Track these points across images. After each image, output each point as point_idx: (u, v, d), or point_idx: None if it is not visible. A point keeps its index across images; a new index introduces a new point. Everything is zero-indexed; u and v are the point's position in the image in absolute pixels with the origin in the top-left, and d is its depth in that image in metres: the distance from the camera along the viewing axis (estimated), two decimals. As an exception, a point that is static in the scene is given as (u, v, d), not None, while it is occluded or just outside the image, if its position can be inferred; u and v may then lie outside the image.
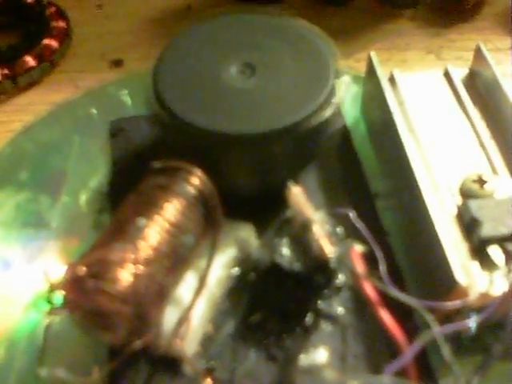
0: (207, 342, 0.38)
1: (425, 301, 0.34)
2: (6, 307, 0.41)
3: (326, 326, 0.39)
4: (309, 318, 0.39)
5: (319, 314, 0.39)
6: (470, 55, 0.50)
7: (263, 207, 0.43)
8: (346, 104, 0.52)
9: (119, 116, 0.53)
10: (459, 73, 0.49)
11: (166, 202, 0.37)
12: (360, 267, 0.36)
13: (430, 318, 0.33)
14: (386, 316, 0.34)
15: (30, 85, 0.59)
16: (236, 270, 0.41)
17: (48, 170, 0.50)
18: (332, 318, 0.39)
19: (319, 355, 0.36)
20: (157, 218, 0.36)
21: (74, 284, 0.33)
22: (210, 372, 0.37)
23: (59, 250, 0.44)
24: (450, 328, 0.34)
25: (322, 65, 0.44)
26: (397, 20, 0.66)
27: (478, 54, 0.48)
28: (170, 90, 0.42)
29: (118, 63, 0.61)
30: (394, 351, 0.35)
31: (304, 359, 0.35)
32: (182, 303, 0.37)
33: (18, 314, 0.40)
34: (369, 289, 0.35)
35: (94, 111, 0.54)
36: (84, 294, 0.32)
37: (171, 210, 0.37)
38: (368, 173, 0.49)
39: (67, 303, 0.33)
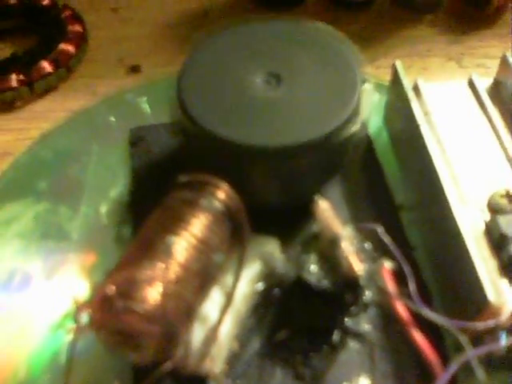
0: (233, 359, 0.38)
1: (457, 321, 0.34)
2: (28, 325, 0.40)
3: (353, 344, 0.39)
4: (336, 336, 0.38)
5: (346, 332, 0.39)
6: (492, 63, 0.49)
7: (288, 221, 0.43)
8: (367, 112, 0.52)
9: (138, 124, 0.52)
10: (484, 82, 0.48)
11: (193, 217, 0.36)
12: (391, 286, 0.36)
13: (463, 339, 0.33)
14: (419, 338, 0.34)
15: (47, 91, 0.58)
16: (260, 285, 0.40)
17: (67, 179, 0.49)
18: (359, 336, 0.39)
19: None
20: (184, 233, 0.35)
21: (101, 303, 0.32)
22: (236, 391, 0.36)
23: (80, 263, 0.43)
24: (483, 350, 0.33)
25: (348, 74, 0.43)
26: (416, 25, 0.65)
27: (504, 63, 0.47)
28: (195, 101, 0.41)
29: (135, 69, 0.60)
30: (421, 369, 0.35)
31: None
32: (208, 320, 0.37)
33: (41, 332, 0.40)
34: (401, 309, 0.35)
35: (113, 119, 0.53)
36: (112, 314, 0.32)
37: (198, 225, 0.36)
38: (391, 183, 0.48)
39: (93, 322, 0.33)
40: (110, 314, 0.32)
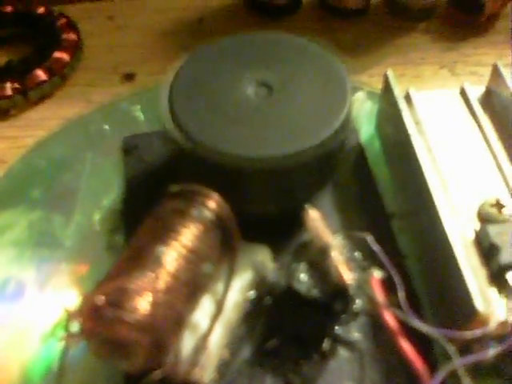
0: (223, 368, 0.38)
1: (444, 330, 0.34)
2: (22, 333, 0.41)
3: (343, 352, 0.39)
4: (326, 344, 0.39)
5: (336, 340, 0.39)
6: (485, 70, 0.50)
7: (278, 229, 0.43)
8: (360, 121, 0.52)
9: (132, 132, 0.53)
10: (476, 91, 0.49)
11: (184, 227, 0.36)
12: (380, 296, 0.36)
13: (450, 349, 0.33)
14: (407, 347, 0.34)
15: (41, 99, 0.58)
16: (251, 294, 0.40)
17: (60, 187, 0.49)
18: (349, 344, 0.39)
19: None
20: (174, 243, 0.35)
21: (91, 313, 0.32)
22: (226, 399, 0.37)
23: (73, 271, 0.44)
24: (470, 359, 0.33)
25: (338, 84, 0.43)
26: (410, 33, 0.65)
27: (495, 72, 0.48)
28: (185, 111, 0.41)
29: (130, 77, 0.60)
30: (410, 378, 0.35)
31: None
32: (199, 328, 0.37)
33: (35, 341, 0.40)
34: (389, 318, 0.35)
35: (107, 127, 0.54)
36: (102, 323, 0.32)
37: (189, 235, 0.36)
38: (383, 192, 0.48)
39: (84, 331, 0.33)
40: (99, 323, 0.32)
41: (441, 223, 0.38)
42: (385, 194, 0.48)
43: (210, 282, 0.37)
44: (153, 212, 0.38)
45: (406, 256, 0.44)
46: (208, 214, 0.38)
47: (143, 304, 0.32)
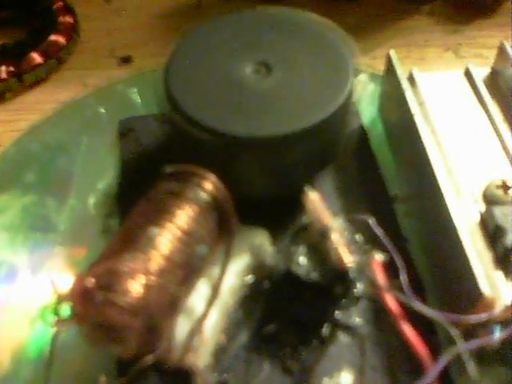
0: (220, 353, 0.37)
1: (448, 314, 0.33)
2: (13, 318, 0.40)
3: (343, 338, 0.38)
4: (326, 329, 0.38)
5: (336, 325, 0.38)
6: (490, 52, 0.48)
7: (278, 212, 0.42)
8: (362, 103, 0.51)
9: (128, 115, 0.52)
10: (481, 72, 0.47)
11: (178, 208, 0.35)
12: (382, 279, 0.35)
13: (455, 333, 0.32)
14: (409, 331, 0.33)
15: (37, 82, 0.57)
16: (249, 278, 0.39)
17: (55, 171, 0.48)
18: (350, 329, 0.38)
19: (344, 379, 0.34)
20: (169, 225, 0.34)
21: (82, 296, 0.31)
22: (222, 385, 0.36)
23: (67, 256, 0.43)
24: (475, 344, 0.32)
25: (340, 63, 0.42)
26: (414, 16, 0.64)
27: (501, 52, 0.47)
28: (183, 91, 0.40)
29: (126, 60, 0.59)
30: (413, 363, 0.34)
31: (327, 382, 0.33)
32: (194, 313, 0.36)
33: (26, 325, 0.39)
34: (391, 302, 0.34)
35: (103, 110, 0.53)
36: (93, 306, 0.31)
37: (184, 217, 0.35)
38: (385, 175, 0.47)
39: (75, 315, 0.32)
40: (90, 306, 0.31)
41: (445, 205, 0.37)
42: (388, 177, 0.47)
43: (205, 265, 0.36)
44: (147, 193, 0.37)
45: (409, 240, 0.43)
46: (204, 196, 0.37)
47: (135, 286, 0.31)
